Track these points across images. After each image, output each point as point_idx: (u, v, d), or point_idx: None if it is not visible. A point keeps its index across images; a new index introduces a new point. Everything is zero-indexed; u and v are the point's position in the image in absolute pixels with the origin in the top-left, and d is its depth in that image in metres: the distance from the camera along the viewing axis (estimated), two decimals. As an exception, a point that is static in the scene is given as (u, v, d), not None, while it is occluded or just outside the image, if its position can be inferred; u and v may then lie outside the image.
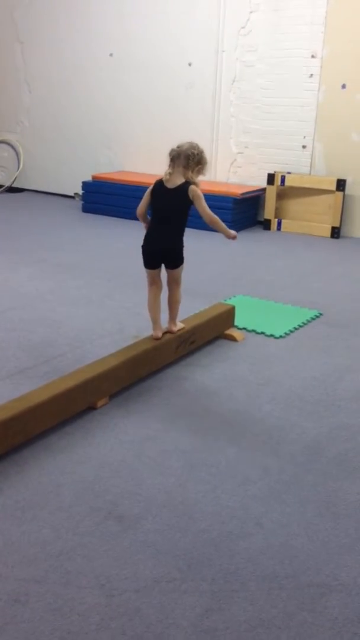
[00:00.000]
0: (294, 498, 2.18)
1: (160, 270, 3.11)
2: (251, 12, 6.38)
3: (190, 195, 2.91)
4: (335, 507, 2.14)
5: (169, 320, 3.21)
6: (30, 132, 8.19)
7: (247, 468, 2.35)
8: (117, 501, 2.13)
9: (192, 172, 2.95)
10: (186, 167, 2.94)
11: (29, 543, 1.92)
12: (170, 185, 2.95)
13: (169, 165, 2.98)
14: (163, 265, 3.10)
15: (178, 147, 2.96)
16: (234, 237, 3.09)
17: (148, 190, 3.04)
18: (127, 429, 2.59)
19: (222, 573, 1.83)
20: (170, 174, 2.96)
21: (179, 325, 3.25)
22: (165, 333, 3.16)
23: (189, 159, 2.93)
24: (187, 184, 2.94)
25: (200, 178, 3.05)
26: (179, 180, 2.95)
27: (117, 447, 2.46)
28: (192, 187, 2.93)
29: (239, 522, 2.04)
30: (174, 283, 3.14)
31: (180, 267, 3.10)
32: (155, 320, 3.13)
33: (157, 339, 3.10)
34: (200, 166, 2.98)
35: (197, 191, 2.93)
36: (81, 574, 1.81)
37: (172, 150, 2.97)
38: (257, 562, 1.88)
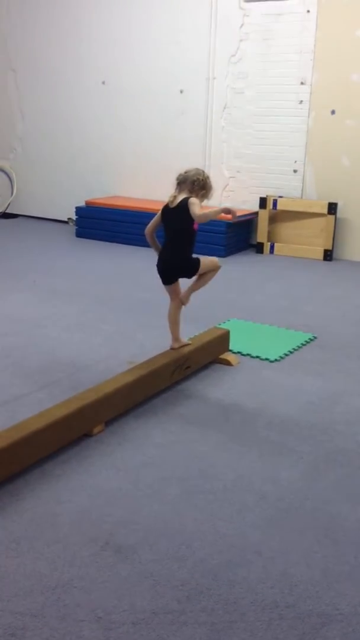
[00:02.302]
0: (293, 525, 2.16)
1: (177, 284, 3.27)
2: (241, 41, 6.50)
3: (187, 205, 3.04)
4: (334, 533, 2.12)
5: (187, 289, 3.30)
6: (23, 158, 8.25)
7: (244, 494, 2.33)
8: (113, 530, 2.11)
9: (197, 196, 3.11)
10: (191, 191, 3.10)
11: (24, 576, 1.89)
12: (174, 205, 3.11)
13: (175, 189, 3.14)
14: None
15: (185, 172, 3.13)
16: (233, 214, 3.10)
17: (158, 213, 3.20)
18: (124, 456, 2.57)
19: (222, 603, 1.81)
20: (174, 197, 3.11)
21: (183, 341, 3.35)
22: (186, 345, 3.33)
23: (194, 184, 3.09)
24: (186, 198, 3.07)
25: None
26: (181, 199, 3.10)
27: (114, 475, 2.44)
28: (191, 198, 3.07)
29: (237, 551, 2.02)
30: (202, 275, 3.26)
31: (198, 270, 3.21)
32: (173, 333, 3.32)
33: (173, 349, 3.30)
34: (204, 191, 3.14)
35: (193, 199, 3.06)
36: (78, 606, 1.78)
37: (180, 175, 3.14)
38: (257, 591, 1.85)
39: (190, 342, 3.39)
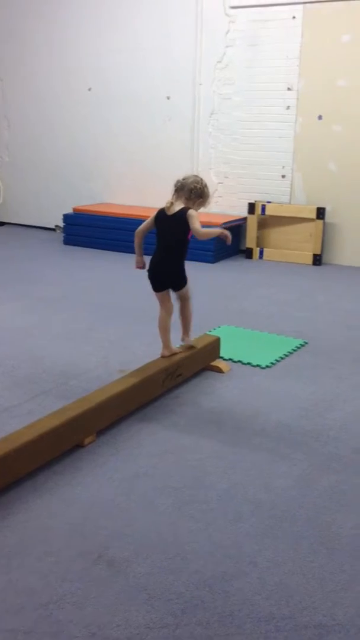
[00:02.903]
0: (288, 534, 2.14)
1: (168, 292, 3.25)
2: (227, 47, 6.51)
3: (186, 216, 3.03)
4: (330, 542, 2.10)
5: (182, 333, 3.40)
6: (10, 166, 8.21)
7: (238, 504, 2.30)
8: (107, 543, 2.08)
9: (194, 204, 3.11)
10: (188, 198, 3.09)
11: (15, 592, 1.86)
12: (171, 212, 3.09)
13: (173, 195, 3.12)
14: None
15: (183, 179, 3.13)
16: (228, 237, 3.14)
17: (151, 216, 3.17)
18: (116, 467, 2.54)
19: (217, 616, 1.78)
20: (172, 203, 3.11)
21: (174, 349, 3.34)
22: (177, 353, 3.31)
23: (191, 191, 3.09)
24: (185, 209, 3.07)
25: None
26: (178, 208, 3.09)
27: (106, 486, 2.40)
28: (190, 210, 3.06)
29: (232, 562, 2.00)
30: (182, 300, 3.32)
31: (185, 287, 3.25)
32: (163, 341, 3.28)
33: (164, 357, 3.26)
34: (201, 199, 3.14)
35: (191, 211, 3.06)
36: (71, 622, 1.75)
37: (177, 182, 3.13)
38: (253, 603, 1.83)
39: (181, 349, 3.37)
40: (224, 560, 2.00)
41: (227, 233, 3.14)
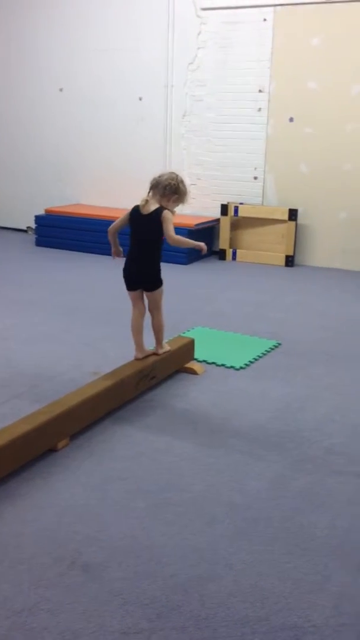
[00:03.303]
0: (262, 536, 2.14)
1: (141, 293, 3.22)
2: (199, 49, 6.52)
3: (161, 218, 3.01)
4: (304, 543, 2.11)
5: (155, 344, 3.35)
6: (-19, 167, 8.11)
7: (213, 506, 2.30)
8: (80, 549, 2.05)
9: (169, 201, 3.07)
10: (163, 195, 3.05)
11: (-12, 600, 1.83)
12: (145, 211, 3.05)
13: (148, 193, 3.08)
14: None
15: (159, 176, 3.09)
16: (203, 249, 3.19)
17: (125, 213, 3.14)
18: (90, 471, 2.52)
19: (193, 620, 1.77)
20: (147, 201, 3.06)
21: (165, 347, 3.35)
22: (150, 355, 3.30)
23: (165, 188, 3.05)
24: (160, 209, 3.04)
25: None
26: (153, 207, 3.05)
27: (80, 491, 2.38)
28: (164, 211, 3.03)
29: (207, 565, 1.99)
30: (154, 308, 3.26)
31: (158, 290, 3.21)
32: (136, 342, 3.26)
33: (137, 359, 3.25)
34: (176, 196, 3.09)
35: (167, 214, 3.04)
36: (45, 629, 1.73)
37: (153, 179, 3.09)
38: (228, 605, 1.83)
39: (154, 351, 3.35)
40: (199, 563, 1.99)
41: (203, 245, 3.15)
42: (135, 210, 3.10)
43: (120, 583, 1.90)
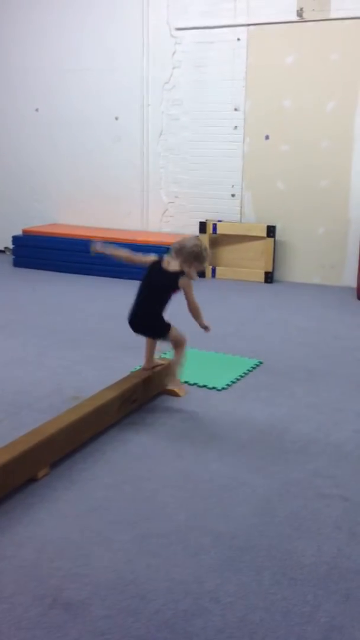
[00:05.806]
0: (249, 565, 2.09)
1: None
2: (174, 68, 6.54)
3: (180, 285, 3.17)
4: (292, 571, 2.07)
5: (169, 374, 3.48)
6: None
7: (198, 536, 2.25)
8: (62, 585, 1.99)
9: (191, 266, 3.21)
10: (185, 261, 3.19)
11: (-34, 645, 1.75)
12: (166, 267, 3.21)
13: (170, 255, 3.23)
14: None
15: (183, 242, 3.22)
16: (207, 329, 3.35)
17: (146, 258, 3.28)
18: (71, 501, 2.45)
19: (180, 658, 1.72)
20: (168, 262, 3.22)
21: (157, 362, 3.48)
22: (157, 366, 3.46)
23: (190, 255, 3.19)
24: (181, 273, 3.18)
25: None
26: (174, 268, 3.20)
27: (61, 523, 2.31)
28: (185, 278, 3.18)
29: (193, 599, 1.93)
30: (174, 346, 3.38)
31: (166, 336, 3.30)
32: (146, 356, 3.42)
33: (145, 369, 3.40)
34: (197, 263, 3.22)
35: (188, 282, 3.19)
36: (26, 675, 1.66)
37: (176, 244, 3.24)
38: (216, 642, 1.77)
39: (162, 361, 3.51)
40: (185, 598, 1.94)
41: (209, 327, 3.32)
42: (157, 263, 3.23)
43: (104, 622, 1.84)
